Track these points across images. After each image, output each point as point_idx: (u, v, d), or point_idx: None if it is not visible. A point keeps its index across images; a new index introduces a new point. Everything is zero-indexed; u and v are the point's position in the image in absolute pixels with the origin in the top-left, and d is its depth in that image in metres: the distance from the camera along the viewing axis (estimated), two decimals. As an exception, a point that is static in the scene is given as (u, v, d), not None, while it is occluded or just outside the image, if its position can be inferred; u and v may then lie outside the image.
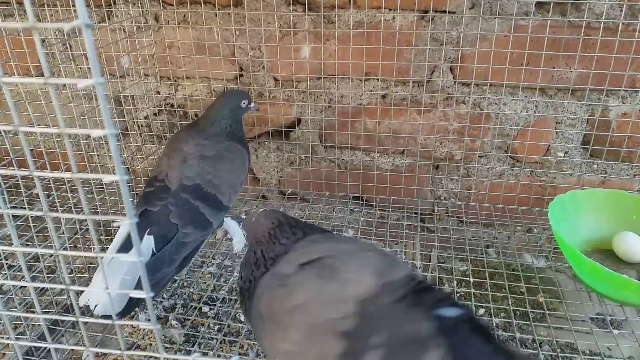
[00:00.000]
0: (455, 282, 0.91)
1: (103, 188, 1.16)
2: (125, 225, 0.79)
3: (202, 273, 0.97)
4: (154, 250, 0.77)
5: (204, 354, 0.79)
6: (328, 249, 0.56)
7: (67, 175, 0.34)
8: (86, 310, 0.72)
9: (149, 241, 0.78)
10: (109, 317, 0.73)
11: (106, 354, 0.80)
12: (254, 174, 1.23)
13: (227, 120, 0.96)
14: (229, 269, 0.98)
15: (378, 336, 0.45)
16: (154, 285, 0.77)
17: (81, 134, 0.31)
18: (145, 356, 0.69)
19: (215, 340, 0.81)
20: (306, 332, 0.49)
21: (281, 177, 1.22)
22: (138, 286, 0.73)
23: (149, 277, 0.74)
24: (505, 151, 1.08)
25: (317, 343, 0.48)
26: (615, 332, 0.80)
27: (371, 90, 1.07)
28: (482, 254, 1.00)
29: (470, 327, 0.48)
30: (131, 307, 0.74)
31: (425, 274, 0.95)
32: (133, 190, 1.23)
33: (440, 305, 0.48)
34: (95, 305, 0.71)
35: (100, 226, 1.08)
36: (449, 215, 1.14)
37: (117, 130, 0.31)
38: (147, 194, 0.84)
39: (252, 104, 1.01)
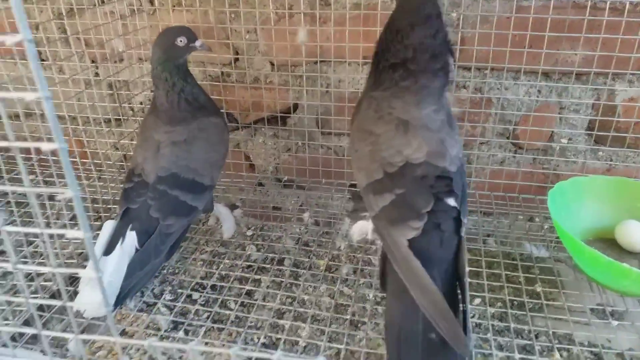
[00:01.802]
0: (451, 271, 0.89)
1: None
2: (107, 226, 0.78)
3: (193, 260, 0.96)
4: (137, 245, 0.76)
5: (165, 339, 0.78)
6: (415, 118, 0.72)
7: (19, 189, 0.32)
8: (79, 316, 0.72)
9: (131, 237, 0.77)
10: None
11: (93, 340, 0.79)
12: (250, 161, 1.21)
13: (165, 70, 0.84)
14: (222, 256, 0.97)
15: (398, 189, 0.68)
16: (143, 276, 0.76)
17: (32, 147, 0.29)
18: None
19: (202, 328, 0.80)
20: (369, 152, 0.72)
21: (278, 164, 1.20)
22: (123, 284, 0.73)
23: (137, 271, 0.75)
24: (507, 137, 1.05)
25: (370, 159, 0.72)
26: (615, 323, 0.77)
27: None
28: (481, 243, 0.97)
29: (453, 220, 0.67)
30: (119, 303, 0.73)
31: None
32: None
33: (447, 194, 0.68)
34: (85, 310, 0.70)
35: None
36: (448, 204, 1.11)
37: (66, 145, 0.29)
38: (127, 191, 0.83)
39: (198, 42, 0.87)
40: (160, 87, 0.86)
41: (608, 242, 0.86)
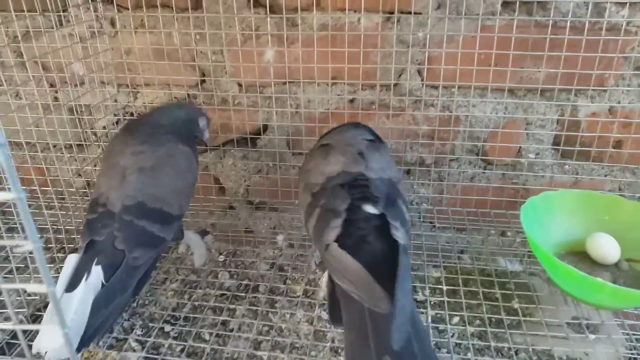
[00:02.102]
0: (428, 290, 0.88)
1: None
2: (71, 260, 0.74)
3: (164, 290, 0.92)
4: (104, 281, 0.72)
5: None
6: (337, 140, 0.83)
7: None
8: (38, 357, 0.67)
9: (97, 272, 0.72)
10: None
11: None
12: (220, 184, 1.19)
13: (169, 125, 0.88)
14: (194, 284, 0.93)
15: (322, 200, 0.73)
16: (111, 315, 0.72)
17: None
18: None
19: (178, 363, 0.76)
20: (304, 186, 0.79)
21: (248, 186, 1.18)
22: (89, 323, 0.68)
23: (102, 309, 0.70)
24: (476, 154, 1.06)
25: (304, 194, 0.78)
26: (592, 337, 0.78)
27: (338, 95, 1.04)
28: (456, 259, 0.97)
29: (376, 223, 0.70)
30: (83, 345, 0.68)
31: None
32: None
33: (363, 200, 0.71)
34: (46, 352, 0.65)
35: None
36: (421, 221, 1.12)
37: (23, 195, 0.27)
38: (91, 222, 0.77)
39: (206, 135, 0.96)
40: (157, 129, 0.87)
41: (580, 255, 0.87)
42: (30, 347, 0.66)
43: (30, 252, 0.26)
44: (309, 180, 0.78)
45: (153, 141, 0.85)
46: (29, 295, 0.87)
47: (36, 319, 0.81)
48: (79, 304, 0.68)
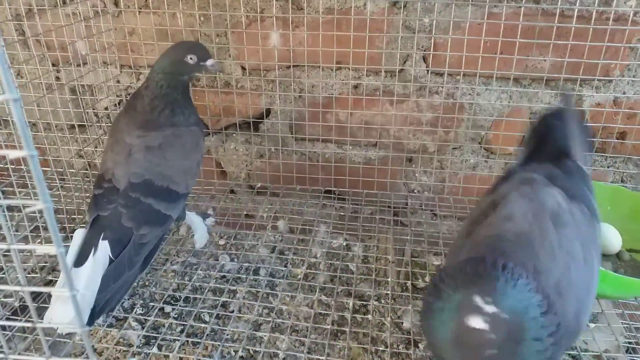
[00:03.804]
0: (428, 277, 0.88)
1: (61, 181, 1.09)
2: (78, 234, 0.74)
3: (164, 271, 0.92)
4: (111, 255, 0.72)
5: (138, 355, 0.75)
6: (533, 231, 0.55)
7: None
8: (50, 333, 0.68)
9: (104, 247, 0.72)
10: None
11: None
12: (222, 168, 1.18)
13: (163, 80, 0.81)
14: (194, 266, 0.93)
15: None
16: (118, 289, 0.72)
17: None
18: None
19: (177, 342, 0.76)
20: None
21: (250, 170, 1.17)
22: (98, 297, 0.69)
23: (111, 284, 0.70)
24: (479, 143, 1.06)
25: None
26: (592, 325, 0.78)
27: (342, 80, 1.04)
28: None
29: None
30: (94, 318, 0.68)
31: (399, 269, 0.92)
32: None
33: None
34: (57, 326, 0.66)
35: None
36: (422, 209, 1.12)
37: (36, 153, 0.27)
38: (97, 197, 0.78)
39: (210, 62, 0.83)
40: (150, 92, 0.82)
41: (581, 245, 0.87)
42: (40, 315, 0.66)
43: (41, 213, 0.26)
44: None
45: (153, 127, 0.82)
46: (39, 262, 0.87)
47: (36, 297, 0.81)
48: (87, 279, 0.68)
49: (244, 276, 0.90)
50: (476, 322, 0.44)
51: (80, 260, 0.70)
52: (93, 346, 0.77)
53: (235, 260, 0.96)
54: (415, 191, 1.12)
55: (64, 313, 0.65)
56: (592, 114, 0.99)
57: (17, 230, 0.97)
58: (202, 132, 0.90)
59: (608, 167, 1.03)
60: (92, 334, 0.79)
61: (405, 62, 1.00)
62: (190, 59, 0.81)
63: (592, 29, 0.89)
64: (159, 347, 0.76)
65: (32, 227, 0.92)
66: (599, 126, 0.98)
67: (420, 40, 0.98)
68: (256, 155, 1.14)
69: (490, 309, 0.44)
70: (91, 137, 1.15)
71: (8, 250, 0.29)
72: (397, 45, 0.97)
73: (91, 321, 0.68)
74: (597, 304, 0.81)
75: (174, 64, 0.81)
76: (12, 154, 0.26)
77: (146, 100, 0.83)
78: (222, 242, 1.02)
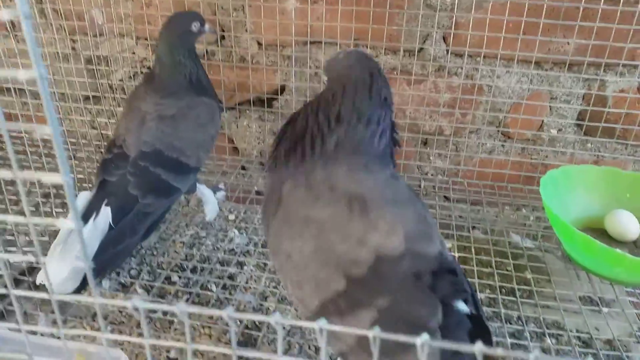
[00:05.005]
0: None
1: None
2: (82, 197, 0.73)
3: (173, 242, 0.91)
4: (111, 223, 0.72)
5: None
6: (371, 189, 0.51)
7: (8, 175, 0.29)
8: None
9: (105, 213, 0.72)
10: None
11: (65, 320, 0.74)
12: (234, 144, 1.18)
13: (178, 54, 0.83)
14: (203, 239, 0.93)
15: (381, 299, 0.43)
16: (117, 255, 0.72)
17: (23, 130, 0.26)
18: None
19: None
20: (313, 251, 0.47)
21: (262, 148, 1.16)
22: (96, 258, 0.68)
23: (110, 249, 0.70)
24: (496, 127, 1.03)
25: (322, 270, 0.46)
26: (605, 310, 0.76)
27: (359, 58, 1.02)
28: (469, 231, 0.95)
29: (474, 331, 0.45)
30: (86, 283, 0.68)
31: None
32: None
33: (456, 296, 0.45)
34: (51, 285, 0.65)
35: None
36: (435, 192, 1.10)
37: (60, 129, 0.26)
38: (106, 161, 0.78)
39: (207, 26, 0.87)
40: (167, 65, 0.84)
41: (597, 232, 0.85)
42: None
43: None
44: (334, 248, 0.47)
45: (170, 94, 0.84)
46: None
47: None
48: (85, 241, 0.68)
49: (253, 249, 0.89)
50: None
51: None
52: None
53: (245, 234, 0.95)
54: (429, 174, 1.10)
55: (57, 272, 0.64)
56: (615, 100, 0.96)
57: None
58: (219, 107, 0.90)
59: (629, 155, 1.00)
60: (98, 298, 0.79)
61: (425, 41, 0.98)
62: (194, 26, 0.85)
63: (620, 11, 0.86)
64: (164, 312, 0.76)
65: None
66: (621, 113, 0.95)
67: (441, 19, 0.96)
68: (269, 133, 1.13)
69: None
70: (105, 109, 1.15)
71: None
72: (417, 23, 0.96)
73: (84, 285, 0.67)
74: (611, 290, 0.78)
75: (181, 36, 0.84)
76: (39, 130, 0.26)
77: (165, 72, 0.84)
78: (232, 217, 1.01)
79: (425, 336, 0.26)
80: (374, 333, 0.27)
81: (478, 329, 0.45)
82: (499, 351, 0.27)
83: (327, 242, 0.47)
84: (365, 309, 0.43)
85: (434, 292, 0.44)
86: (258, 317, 0.32)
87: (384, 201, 0.50)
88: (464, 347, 0.27)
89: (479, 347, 0.26)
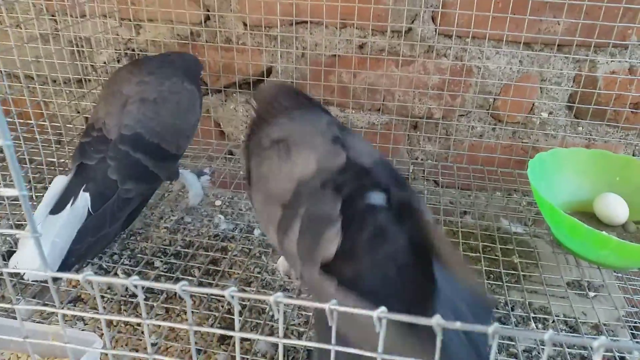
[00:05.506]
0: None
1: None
2: (58, 181, 0.71)
3: (157, 227, 0.90)
4: (90, 209, 0.70)
5: (122, 304, 0.73)
6: (293, 131, 0.65)
7: None
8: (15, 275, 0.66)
9: (84, 199, 0.70)
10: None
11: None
12: (220, 128, 1.16)
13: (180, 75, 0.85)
14: (188, 225, 0.91)
15: (301, 209, 0.54)
16: (96, 242, 0.70)
17: None
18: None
19: (163, 294, 0.75)
20: (265, 197, 0.62)
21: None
22: (72, 248, 0.66)
23: (89, 236, 0.68)
24: (486, 110, 1.02)
25: (269, 207, 0.60)
26: (592, 294, 0.75)
27: (347, 39, 1.00)
28: (458, 216, 0.94)
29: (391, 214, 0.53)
30: (65, 269, 0.66)
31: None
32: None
33: (364, 190, 0.54)
34: (24, 272, 0.64)
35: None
36: (425, 177, 1.08)
37: (12, 144, 0.25)
38: (83, 145, 0.75)
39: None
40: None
41: (587, 215, 0.84)
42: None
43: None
44: (271, 190, 0.60)
45: (160, 73, 0.83)
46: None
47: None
48: (61, 228, 0.66)
49: (238, 235, 0.88)
50: None
51: (57, 208, 0.68)
52: (79, 294, 0.76)
53: (230, 220, 0.94)
54: (419, 159, 1.08)
55: (31, 259, 0.62)
56: (605, 82, 0.95)
57: None
58: (200, 94, 0.88)
59: (620, 139, 0.99)
60: (78, 283, 0.77)
61: (413, 21, 0.96)
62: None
63: (610, -11, 0.84)
64: (145, 298, 0.75)
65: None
66: (612, 94, 0.94)
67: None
68: (256, 116, 1.11)
69: None
70: (89, 92, 1.13)
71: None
72: (404, 2, 0.93)
73: (61, 270, 0.66)
74: (599, 274, 0.78)
75: (194, 64, 0.91)
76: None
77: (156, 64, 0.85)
78: (218, 202, 1.00)
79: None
80: (378, 314, 0.30)
81: (406, 212, 0.53)
82: (514, 331, 0.27)
83: (269, 189, 0.61)
84: (294, 221, 0.54)
85: (339, 192, 0.53)
86: (259, 297, 0.31)
87: (301, 140, 0.62)
88: (478, 327, 0.29)
89: (494, 328, 0.28)
